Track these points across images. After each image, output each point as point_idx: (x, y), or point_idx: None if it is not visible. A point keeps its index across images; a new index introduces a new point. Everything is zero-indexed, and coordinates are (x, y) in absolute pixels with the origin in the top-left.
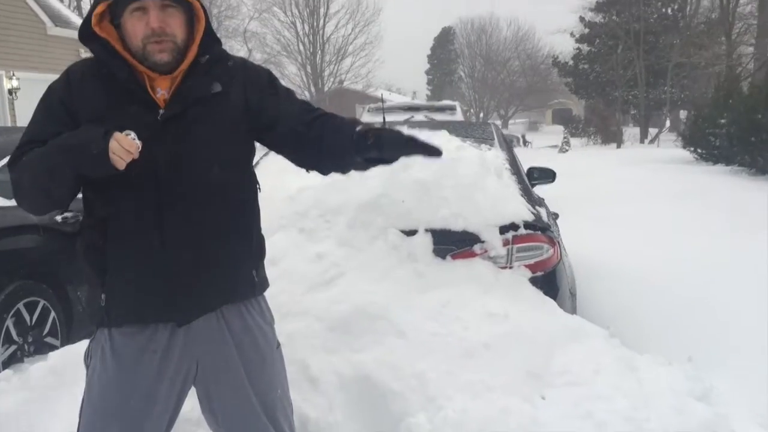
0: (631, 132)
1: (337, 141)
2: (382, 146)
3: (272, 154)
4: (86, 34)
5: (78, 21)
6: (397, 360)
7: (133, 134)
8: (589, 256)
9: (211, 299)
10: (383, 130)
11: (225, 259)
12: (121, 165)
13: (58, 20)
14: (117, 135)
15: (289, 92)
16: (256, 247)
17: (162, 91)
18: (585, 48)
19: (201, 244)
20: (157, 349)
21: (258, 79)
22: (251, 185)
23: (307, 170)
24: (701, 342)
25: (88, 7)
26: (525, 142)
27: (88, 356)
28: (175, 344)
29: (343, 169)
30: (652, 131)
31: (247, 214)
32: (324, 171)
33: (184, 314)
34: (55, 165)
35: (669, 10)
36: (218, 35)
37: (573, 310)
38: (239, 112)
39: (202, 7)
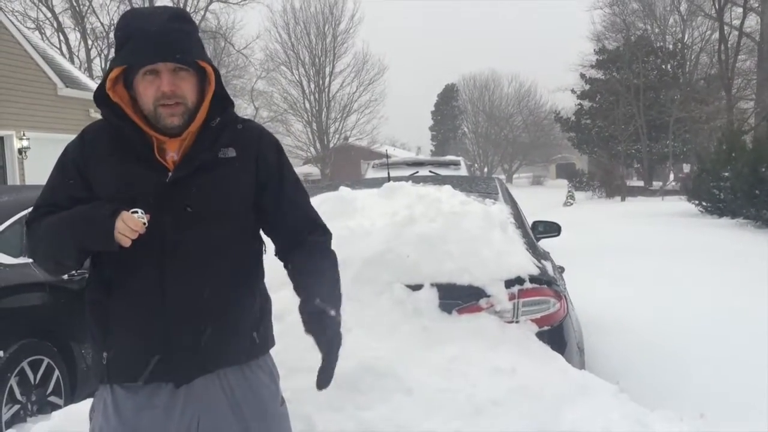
0: (635, 185)
1: (297, 283)
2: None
3: None
4: (100, 97)
5: (88, 82)
6: (404, 418)
7: (140, 212)
8: (596, 310)
9: (209, 360)
10: (323, 339)
11: (224, 321)
12: (126, 243)
13: (69, 81)
14: (124, 214)
15: (296, 186)
16: (258, 308)
17: (172, 153)
18: (587, 104)
19: (201, 304)
20: (159, 405)
21: (269, 156)
22: (256, 246)
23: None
24: (712, 398)
25: (98, 68)
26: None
27: (92, 411)
28: (177, 402)
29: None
30: (656, 184)
31: (250, 275)
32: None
33: (183, 375)
34: (62, 239)
35: (668, 66)
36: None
37: (581, 365)
38: (249, 178)
39: (214, 70)
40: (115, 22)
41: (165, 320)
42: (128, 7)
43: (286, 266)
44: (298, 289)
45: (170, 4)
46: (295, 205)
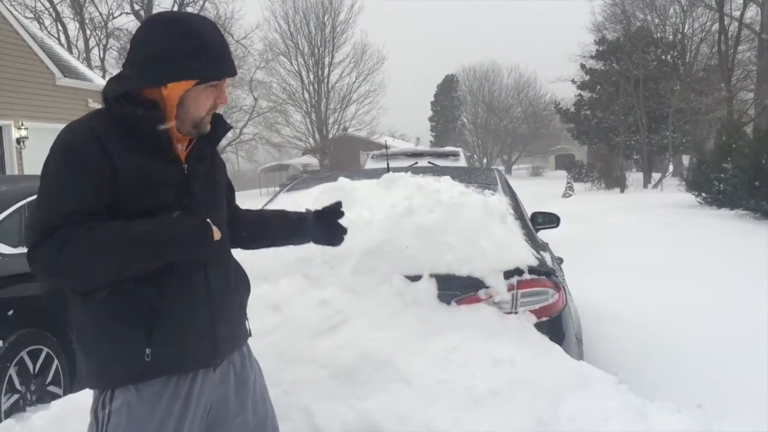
0: (634, 177)
1: (265, 223)
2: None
3: (282, 195)
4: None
5: (87, 72)
6: (403, 408)
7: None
8: (595, 301)
9: (234, 343)
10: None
11: (241, 300)
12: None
13: (67, 71)
14: (213, 227)
15: None
16: (250, 287)
17: (182, 147)
18: (586, 94)
19: (229, 287)
20: (181, 394)
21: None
22: None
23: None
24: (711, 388)
25: (97, 58)
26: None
27: (105, 414)
28: (195, 389)
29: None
30: (656, 176)
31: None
32: (243, 247)
33: (221, 358)
34: (152, 251)
35: (668, 57)
36: (225, 84)
37: (580, 356)
38: (223, 170)
39: None
40: (148, 24)
41: (211, 308)
42: None
43: (242, 231)
44: (270, 226)
45: None
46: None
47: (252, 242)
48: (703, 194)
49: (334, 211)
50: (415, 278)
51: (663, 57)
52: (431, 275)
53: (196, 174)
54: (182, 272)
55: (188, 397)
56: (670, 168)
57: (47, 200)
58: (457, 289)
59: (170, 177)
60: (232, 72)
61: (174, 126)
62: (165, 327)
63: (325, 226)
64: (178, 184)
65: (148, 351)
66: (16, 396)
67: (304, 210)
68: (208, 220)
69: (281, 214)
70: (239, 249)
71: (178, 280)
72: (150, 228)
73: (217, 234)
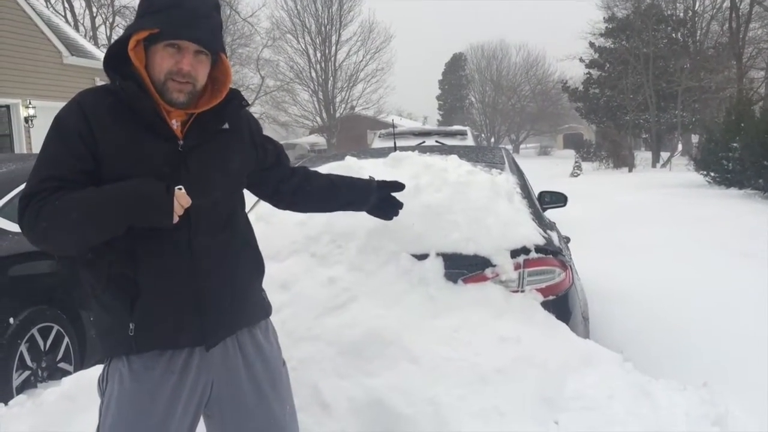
0: (642, 156)
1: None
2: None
3: None
4: (110, 58)
5: (93, 50)
6: (409, 385)
7: (183, 189)
8: (602, 280)
9: (235, 321)
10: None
11: (242, 281)
12: (176, 219)
13: (74, 50)
14: (176, 192)
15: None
16: (262, 267)
17: (176, 123)
18: (595, 73)
19: (223, 267)
20: (174, 370)
21: (258, 128)
22: (244, 210)
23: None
24: (716, 367)
25: (103, 36)
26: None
27: (104, 382)
28: (191, 366)
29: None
30: (664, 155)
31: (253, 237)
32: (306, 211)
33: (213, 337)
34: (109, 218)
35: (679, 35)
36: (231, 63)
37: (586, 335)
38: (247, 147)
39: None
40: None
41: (197, 286)
42: None
43: (312, 195)
44: (338, 193)
45: None
46: (283, 156)
47: (315, 206)
48: (712, 173)
49: (396, 184)
50: (421, 257)
51: (673, 35)
52: (438, 254)
53: (193, 150)
54: (160, 249)
55: (183, 373)
56: (679, 147)
57: (33, 170)
58: (464, 267)
59: (159, 152)
60: (189, 35)
61: (160, 101)
62: (145, 303)
63: (384, 198)
64: (169, 160)
65: (131, 326)
66: (27, 372)
67: (367, 177)
68: (178, 187)
69: (349, 183)
70: (295, 212)
71: (156, 256)
72: (109, 193)
73: (184, 200)
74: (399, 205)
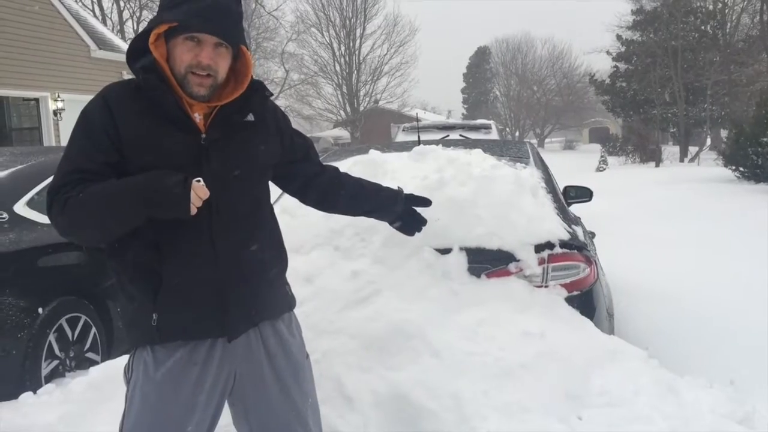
0: (670, 151)
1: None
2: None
3: None
4: (134, 51)
5: (121, 44)
6: (432, 379)
7: (202, 181)
8: (627, 276)
9: (257, 314)
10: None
11: (265, 273)
12: (193, 211)
13: (102, 44)
14: (194, 184)
15: (309, 140)
16: (285, 259)
17: (199, 116)
18: (622, 66)
19: (246, 259)
20: (197, 361)
21: (286, 120)
22: (270, 203)
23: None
24: (743, 364)
25: (131, 30)
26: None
27: (129, 370)
28: (214, 357)
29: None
30: (692, 150)
31: (277, 230)
32: (330, 211)
33: (235, 329)
34: (127, 209)
35: (708, 27)
36: (256, 57)
37: (611, 331)
38: (272, 139)
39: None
40: None
41: (219, 277)
42: None
43: (341, 197)
44: (366, 199)
45: None
46: (312, 150)
47: (341, 209)
48: (741, 168)
49: (422, 199)
50: (445, 251)
51: (702, 27)
52: (461, 248)
53: (215, 143)
54: (183, 240)
55: (206, 364)
56: (708, 141)
57: (60, 163)
58: (488, 262)
59: (181, 145)
60: (207, 28)
61: (182, 94)
62: (167, 294)
63: (408, 212)
64: (190, 153)
65: (154, 316)
66: (55, 362)
67: (396, 187)
68: (197, 179)
69: (377, 189)
70: (320, 210)
71: (178, 248)
72: (128, 184)
73: (202, 192)
74: (423, 222)
